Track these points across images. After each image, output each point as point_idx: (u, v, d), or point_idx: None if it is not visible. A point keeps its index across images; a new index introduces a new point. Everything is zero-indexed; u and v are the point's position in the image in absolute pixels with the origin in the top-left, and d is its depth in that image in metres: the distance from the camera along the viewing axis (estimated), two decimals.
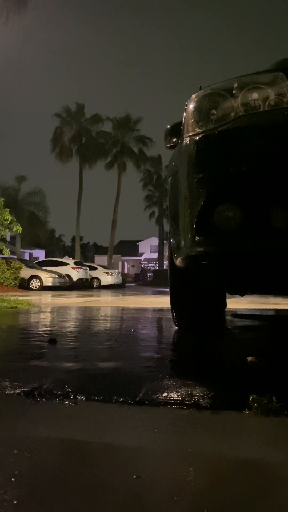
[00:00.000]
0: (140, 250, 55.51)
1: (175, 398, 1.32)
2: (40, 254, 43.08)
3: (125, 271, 44.98)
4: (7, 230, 14.89)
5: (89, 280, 20.12)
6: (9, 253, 15.80)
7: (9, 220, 14.55)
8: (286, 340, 2.77)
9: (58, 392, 1.38)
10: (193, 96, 1.93)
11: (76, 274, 18.47)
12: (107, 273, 21.47)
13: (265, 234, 1.65)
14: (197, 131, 1.83)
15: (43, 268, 17.19)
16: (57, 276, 16.14)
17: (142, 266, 47.56)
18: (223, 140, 1.75)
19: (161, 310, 5.40)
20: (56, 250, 61.70)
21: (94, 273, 20.94)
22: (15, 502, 0.73)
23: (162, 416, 1.20)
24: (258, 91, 1.74)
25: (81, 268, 19.19)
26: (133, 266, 51.33)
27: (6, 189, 31.22)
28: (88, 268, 20.22)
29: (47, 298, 8.99)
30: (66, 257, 41.29)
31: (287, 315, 4.95)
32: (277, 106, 1.70)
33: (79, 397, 1.35)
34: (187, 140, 1.88)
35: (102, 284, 20.80)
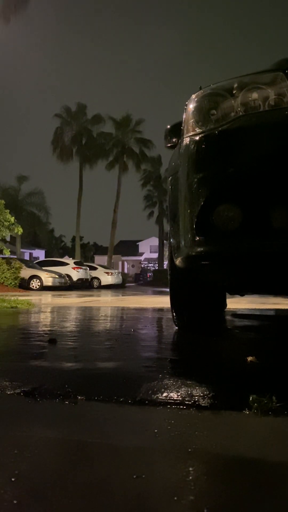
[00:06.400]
0: (140, 250, 55.52)
1: (175, 398, 1.32)
2: (40, 254, 43.08)
3: (125, 271, 44.97)
4: (8, 231, 14.90)
5: (89, 280, 20.12)
6: (9, 253, 15.81)
7: (11, 221, 14.56)
8: (286, 340, 2.77)
9: (58, 392, 1.38)
10: (193, 96, 1.93)
11: (76, 274, 18.47)
12: (107, 273, 21.46)
13: (265, 234, 1.65)
14: (197, 131, 1.83)
15: (43, 268, 17.19)
16: (57, 276, 16.14)
17: (142, 266, 47.56)
18: (223, 140, 1.75)
19: (161, 310, 5.40)
20: (56, 250, 61.69)
21: (94, 273, 20.94)
22: (15, 502, 0.73)
23: (162, 416, 1.20)
24: (258, 91, 1.74)
25: (81, 268, 19.18)
26: (133, 266, 51.33)
27: (6, 190, 31.23)
28: (88, 268, 20.21)
29: (47, 298, 8.99)
30: (66, 257, 41.31)
31: (287, 315, 4.95)
32: (277, 106, 1.70)
33: (79, 397, 1.35)
34: (187, 140, 1.88)
35: (102, 284, 20.80)
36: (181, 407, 1.26)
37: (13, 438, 1.03)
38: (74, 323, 3.58)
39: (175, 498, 0.74)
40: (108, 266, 26.13)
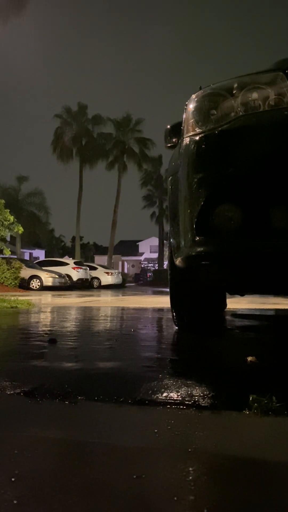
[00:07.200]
0: (140, 250, 55.50)
1: (175, 398, 1.32)
2: (40, 254, 43.07)
3: (125, 271, 44.96)
4: (7, 231, 14.89)
5: (89, 280, 20.11)
6: (10, 253, 15.81)
7: (11, 220, 14.55)
8: (286, 340, 2.77)
9: (58, 392, 1.38)
10: (193, 96, 1.93)
11: (76, 274, 18.47)
12: (107, 273, 21.46)
13: (265, 234, 1.65)
14: (197, 131, 1.83)
15: (43, 268, 17.19)
16: (57, 276, 16.14)
17: (142, 266, 47.54)
18: (223, 140, 1.75)
19: (161, 310, 5.40)
20: (56, 250, 61.68)
21: (94, 273, 20.94)
22: (15, 502, 0.73)
23: (162, 416, 1.20)
24: (258, 91, 1.74)
25: (81, 268, 19.18)
26: (133, 266, 51.32)
27: (6, 189, 31.24)
28: (88, 268, 20.21)
29: (47, 298, 8.99)
30: (66, 257, 41.30)
31: (287, 315, 4.95)
32: (277, 106, 1.70)
33: (79, 397, 1.35)
34: (187, 140, 1.88)
35: (102, 284, 20.80)
36: (181, 407, 1.26)
37: (13, 438, 1.03)
38: (74, 323, 3.58)
39: (175, 498, 0.74)
40: (108, 266, 26.14)
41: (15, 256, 20.86)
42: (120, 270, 34.16)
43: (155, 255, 48.02)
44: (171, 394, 1.35)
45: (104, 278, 21.06)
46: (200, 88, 1.95)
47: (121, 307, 6.25)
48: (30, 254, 40.73)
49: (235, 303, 6.13)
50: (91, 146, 32.60)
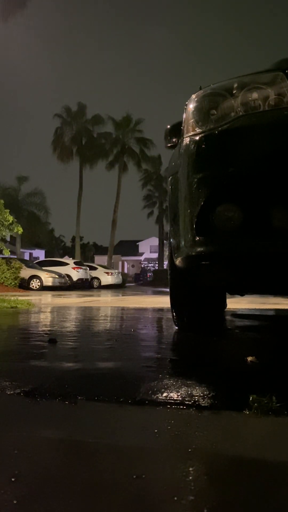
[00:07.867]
0: (140, 250, 55.50)
1: (175, 398, 1.32)
2: (40, 254, 43.07)
3: (125, 271, 44.97)
4: (7, 231, 14.90)
5: (89, 280, 20.12)
6: (9, 253, 15.81)
7: (10, 221, 14.56)
8: (286, 340, 2.77)
9: (58, 392, 1.38)
10: (193, 96, 1.93)
11: (76, 274, 18.47)
12: (107, 273, 21.46)
13: (265, 234, 1.65)
14: (197, 131, 1.83)
15: (43, 268, 17.18)
16: (57, 276, 16.14)
17: (142, 266, 47.53)
18: (223, 140, 1.75)
19: (161, 310, 5.40)
20: (56, 250, 61.67)
21: (94, 273, 20.94)
22: (15, 502, 0.73)
23: (162, 416, 1.20)
24: (258, 91, 1.75)
25: (81, 268, 19.18)
26: (133, 266, 51.33)
27: (6, 190, 31.23)
28: (88, 268, 20.21)
29: (47, 298, 8.99)
30: (66, 257, 41.28)
31: (287, 315, 4.95)
32: (277, 106, 1.70)
33: (79, 397, 1.35)
34: (187, 140, 1.88)
35: (102, 284, 20.80)
36: (181, 407, 1.26)
37: (13, 438, 1.03)
38: (74, 323, 3.58)
39: (175, 498, 0.74)
40: (108, 266, 26.13)
41: (15, 256, 20.86)
42: (120, 270, 34.16)
43: (155, 255, 48.02)
44: (171, 394, 1.35)
45: (104, 278, 21.06)
46: (200, 88, 1.95)
47: (121, 307, 6.25)
48: (30, 254, 40.73)
49: (235, 303, 6.13)
50: (91, 146, 32.58)
